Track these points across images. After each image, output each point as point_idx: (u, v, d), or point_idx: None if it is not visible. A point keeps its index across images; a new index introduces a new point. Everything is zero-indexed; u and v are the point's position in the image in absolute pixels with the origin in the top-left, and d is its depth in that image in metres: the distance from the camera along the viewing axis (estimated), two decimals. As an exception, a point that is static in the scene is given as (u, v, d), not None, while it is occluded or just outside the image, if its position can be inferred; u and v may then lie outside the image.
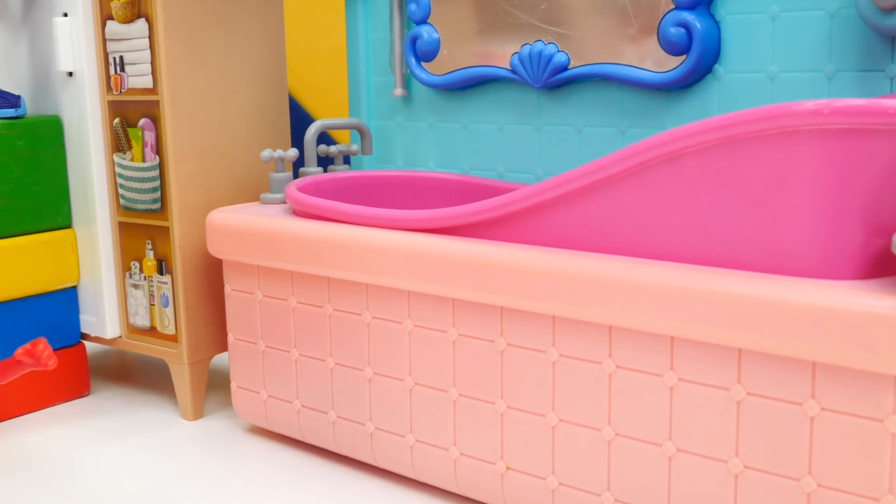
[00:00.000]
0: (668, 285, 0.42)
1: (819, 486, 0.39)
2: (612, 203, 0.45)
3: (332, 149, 0.70)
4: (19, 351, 0.51)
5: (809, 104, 0.38)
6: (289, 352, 0.59)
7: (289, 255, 0.57)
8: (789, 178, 0.40)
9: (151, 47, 0.64)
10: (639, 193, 0.44)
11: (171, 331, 0.66)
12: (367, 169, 0.74)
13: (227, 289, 0.62)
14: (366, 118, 0.74)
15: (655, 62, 0.58)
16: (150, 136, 0.65)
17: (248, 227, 0.59)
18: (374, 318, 0.54)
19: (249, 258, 0.59)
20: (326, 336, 0.57)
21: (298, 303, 0.58)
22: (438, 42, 0.69)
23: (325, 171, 0.69)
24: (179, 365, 0.66)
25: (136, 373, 0.78)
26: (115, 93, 0.66)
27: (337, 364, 0.57)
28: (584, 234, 0.47)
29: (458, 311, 0.50)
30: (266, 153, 0.65)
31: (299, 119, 0.93)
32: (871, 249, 0.39)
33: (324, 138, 0.85)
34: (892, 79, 0.50)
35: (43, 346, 0.50)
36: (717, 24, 0.56)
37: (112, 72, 0.66)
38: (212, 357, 0.67)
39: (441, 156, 0.71)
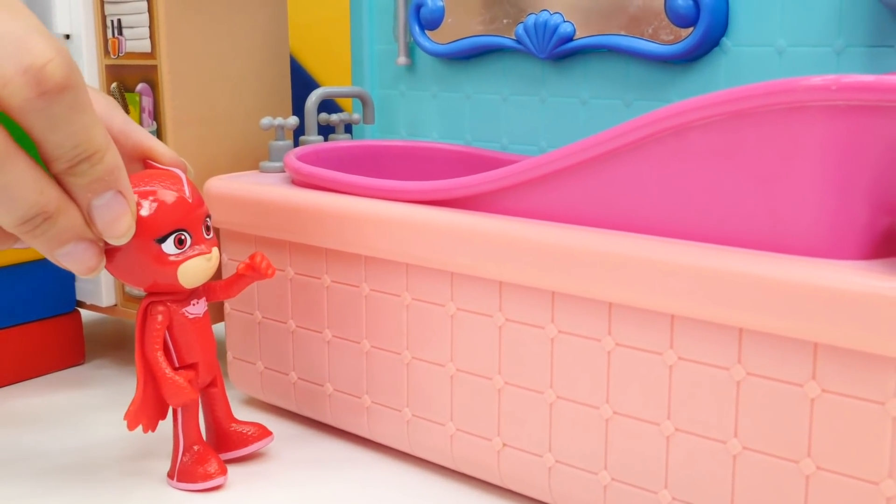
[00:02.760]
0: (669, 262, 0.41)
1: (818, 468, 0.39)
2: (615, 177, 0.44)
3: (334, 117, 0.69)
4: (241, 266, 0.53)
5: (817, 79, 0.37)
6: (285, 323, 0.59)
7: (286, 225, 0.56)
8: (795, 154, 0.39)
9: (150, 10, 0.63)
10: (642, 168, 0.43)
11: (167, 299, 0.65)
12: (368, 138, 0.74)
13: (224, 258, 0.61)
14: (368, 86, 0.73)
15: (662, 34, 0.57)
16: (147, 102, 0.64)
17: (245, 195, 0.58)
18: (371, 290, 0.54)
19: (246, 227, 0.58)
20: (324, 308, 0.56)
21: (296, 273, 0.57)
22: (443, 10, 0.68)
23: (326, 139, 0.68)
24: (176, 334, 0.65)
25: (131, 342, 0.78)
26: (112, 57, 0.65)
27: (334, 336, 0.56)
28: (586, 209, 0.46)
29: (456, 284, 0.50)
30: (265, 121, 0.64)
31: (305, 86, 0.92)
32: (877, 229, 0.39)
33: (328, 106, 0.84)
34: (903, 54, 0.49)
35: (261, 258, 0.52)
36: (725, -5, 0.55)
37: (110, 35, 0.65)
38: (209, 326, 0.67)
39: (444, 126, 0.70)
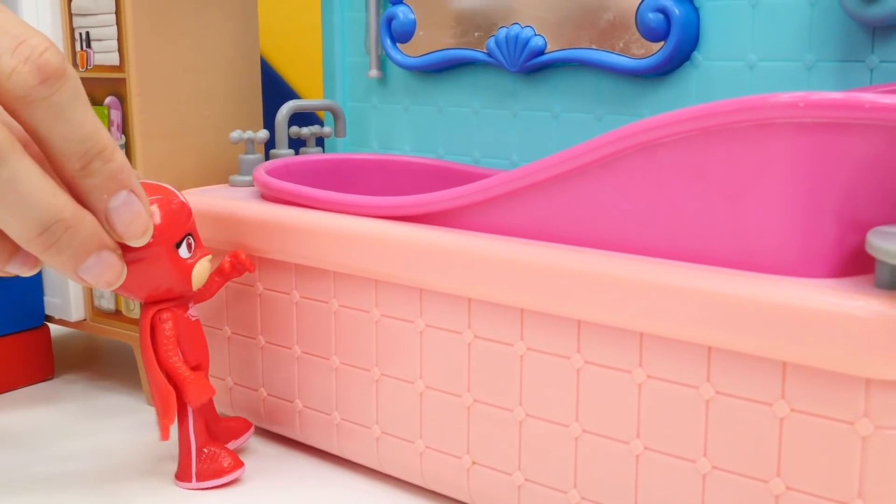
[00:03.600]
0: (637, 280, 0.41)
1: (787, 488, 0.38)
2: (584, 194, 0.44)
3: (305, 131, 0.68)
4: (225, 264, 0.55)
5: (785, 96, 0.37)
6: (255, 339, 0.58)
7: (254, 239, 0.55)
8: (763, 171, 0.38)
9: (118, 23, 0.62)
10: (610, 184, 0.43)
11: (136, 314, 0.65)
12: (340, 152, 0.73)
13: (193, 273, 0.61)
14: (340, 99, 0.73)
15: (633, 48, 0.57)
16: (116, 115, 0.63)
17: (214, 210, 0.57)
18: (341, 306, 0.53)
19: (215, 242, 0.58)
20: (293, 324, 0.56)
21: (265, 289, 0.57)
22: (414, 23, 0.67)
23: (297, 153, 0.68)
24: (145, 349, 0.65)
25: (102, 357, 0.77)
26: (81, 70, 0.64)
27: (303, 353, 0.56)
28: (555, 225, 0.45)
29: (425, 301, 0.49)
30: (235, 134, 0.63)
31: (283, 96, 0.92)
32: (846, 247, 0.38)
33: (306, 118, 0.83)
34: (871, 70, 0.49)
35: (244, 255, 0.55)
36: (696, 10, 0.55)
37: (78, 48, 0.64)
38: (178, 342, 0.66)
39: (416, 139, 0.70)
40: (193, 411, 0.53)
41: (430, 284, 0.48)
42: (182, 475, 0.54)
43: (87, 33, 0.63)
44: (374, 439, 0.53)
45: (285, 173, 0.61)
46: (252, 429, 0.58)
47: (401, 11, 0.67)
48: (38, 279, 0.69)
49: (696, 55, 0.55)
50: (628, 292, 0.41)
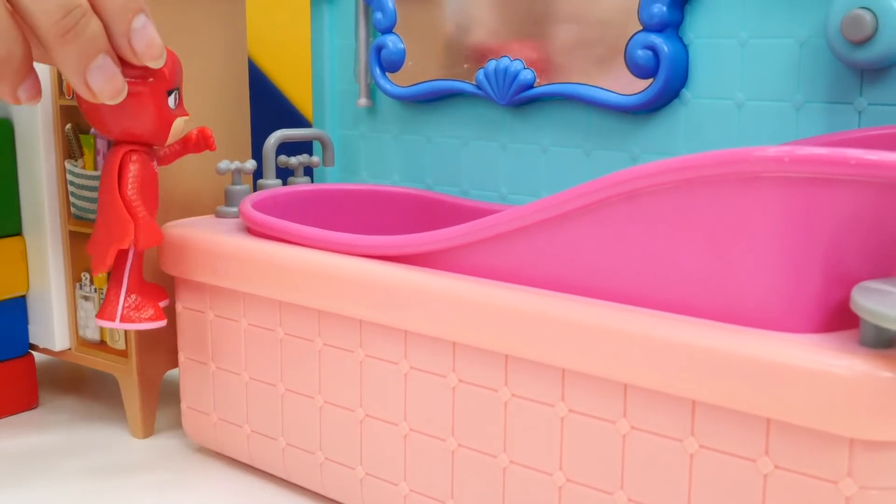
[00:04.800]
0: (622, 331, 0.40)
1: (772, 545, 0.38)
2: (569, 240, 0.44)
3: (293, 160, 0.68)
4: (193, 134, 0.58)
5: (771, 150, 0.37)
6: (239, 374, 0.58)
7: (238, 275, 0.55)
8: (749, 224, 0.38)
9: (105, 54, 0.61)
10: (595, 232, 0.42)
11: (121, 345, 0.64)
12: (329, 180, 0.73)
13: (179, 306, 0.60)
14: (329, 127, 0.73)
15: (622, 84, 0.56)
16: (101, 144, 0.63)
17: (198, 243, 0.57)
18: (325, 345, 0.53)
19: (200, 276, 0.57)
20: (277, 361, 0.55)
21: (250, 325, 0.56)
22: (403, 53, 0.67)
23: (285, 182, 0.67)
24: (129, 380, 0.64)
25: (87, 386, 0.76)
26: (67, 97, 0.64)
27: (287, 390, 0.55)
28: (540, 270, 0.45)
29: (410, 343, 0.49)
30: (223, 164, 0.63)
31: (285, 112, 0.92)
32: (831, 302, 0.38)
33: (295, 147, 0.82)
34: (860, 112, 0.49)
35: (209, 131, 0.58)
36: (685, 47, 0.54)
37: (64, 78, 0.64)
38: (163, 374, 0.65)
39: (405, 169, 0.70)
40: (133, 255, 0.55)
41: (414, 327, 0.48)
42: (105, 314, 0.55)
43: (74, 63, 0.63)
44: (358, 480, 0.52)
45: (272, 204, 0.61)
46: (167, 300, 0.58)
47: (390, 41, 0.67)
48: (22, 308, 0.68)
49: (685, 92, 0.55)
50: (613, 343, 0.41)
